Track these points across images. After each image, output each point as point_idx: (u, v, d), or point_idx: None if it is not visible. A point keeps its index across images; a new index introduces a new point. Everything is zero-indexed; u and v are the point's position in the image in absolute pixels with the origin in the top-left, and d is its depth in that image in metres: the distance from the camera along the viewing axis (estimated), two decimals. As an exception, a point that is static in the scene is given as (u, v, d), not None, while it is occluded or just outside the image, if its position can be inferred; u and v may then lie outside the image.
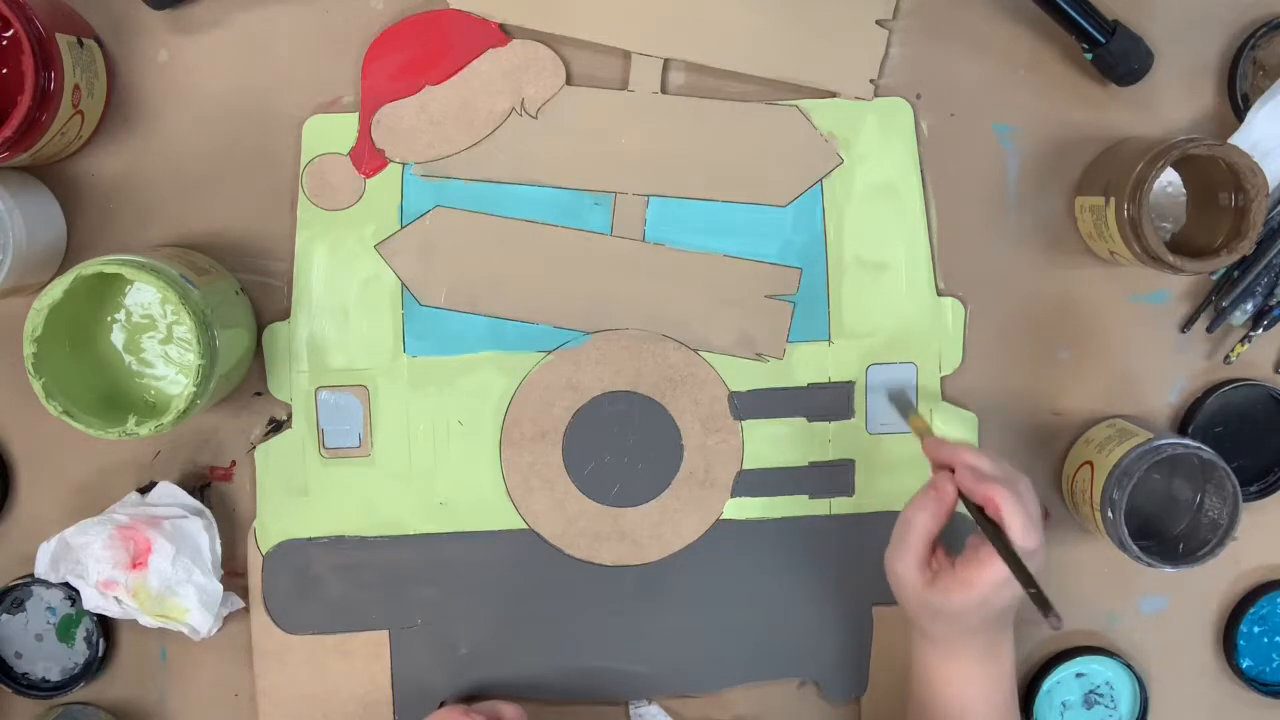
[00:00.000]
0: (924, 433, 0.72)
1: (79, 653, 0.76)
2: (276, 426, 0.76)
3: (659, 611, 0.77)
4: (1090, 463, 0.74)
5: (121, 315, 0.71)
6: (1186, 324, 0.78)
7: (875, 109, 0.75)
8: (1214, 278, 0.77)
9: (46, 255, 0.72)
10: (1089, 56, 0.73)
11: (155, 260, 0.66)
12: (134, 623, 0.73)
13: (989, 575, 0.64)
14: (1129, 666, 0.78)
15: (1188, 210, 0.76)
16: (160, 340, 0.71)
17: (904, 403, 0.75)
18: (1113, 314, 0.78)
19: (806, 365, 0.76)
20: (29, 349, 0.65)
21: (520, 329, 0.75)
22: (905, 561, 0.67)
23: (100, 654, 0.75)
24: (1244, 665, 0.79)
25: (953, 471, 0.67)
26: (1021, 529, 0.63)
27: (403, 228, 0.74)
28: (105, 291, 0.70)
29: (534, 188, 0.75)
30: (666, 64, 0.74)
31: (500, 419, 0.76)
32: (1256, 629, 0.79)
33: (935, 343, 0.77)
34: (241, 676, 0.77)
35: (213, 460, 0.76)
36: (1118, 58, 0.73)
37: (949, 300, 0.77)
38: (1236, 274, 0.76)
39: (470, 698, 0.77)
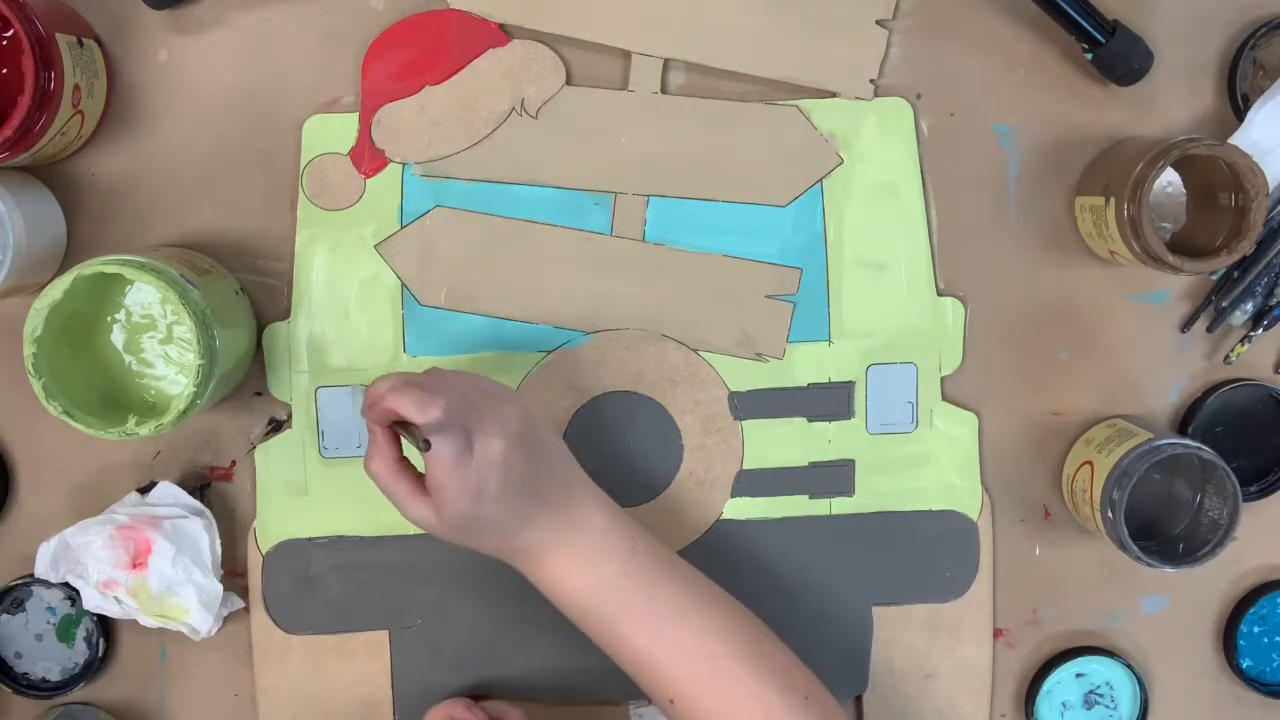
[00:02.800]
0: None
1: (79, 653, 0.76)
2: (276, 426, 0.76)
3: (659, 611, 0.77)
4: (1090, 463, 0.74)
5: (121, 315, 0.71)
6: (1186, 324, 0.78)
7: (875, 109, 0.75)
8: (1214, 278, 0.77)
9: (46, 255, 0.72)
10: (1089, 56, 0.73)
11: (155, 260, 0.66)
12: (134, 623, 0.73)
13: (430, 472, 0.63)
14: (1129, 666, 0.78)
15: (1188, 210, 0.76)
16: (160, 340, 0.71)
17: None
18: (1113, 314, 0.78)
19: (806, 365, 0.76)
20: (29, 349, 0.65)
21: (520, 329, 0.75)
22: (408, 506, 0.65)
23: (100, 654, 0.75)
24: (1244, 665, 0.79)
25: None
26: (413, 409, 0.62)
27: (403, 228, 0.74)
28: (105, 291, 0.70)
29: (534, 188, 0.75)
30: (666, 64, 0.74)
31: (500, 419, 0.76)
32: (1257, 629, 0.79)
33: (935, 343, 0.77)
34: (241, 676, 0.77)
35: (213, 460, 0.76)
36: (1118, 58, 0.73)
37: (949, 300, 0.77)
38: (1236, 274, 0.76)
39: (474, 698, 0.77)
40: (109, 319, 0.71)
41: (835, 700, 0.68)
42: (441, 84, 0.73)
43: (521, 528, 0.65)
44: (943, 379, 0.77)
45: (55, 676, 0.76)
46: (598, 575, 0.66)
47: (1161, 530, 0.76)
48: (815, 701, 0.66)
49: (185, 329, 0.67)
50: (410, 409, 0.62)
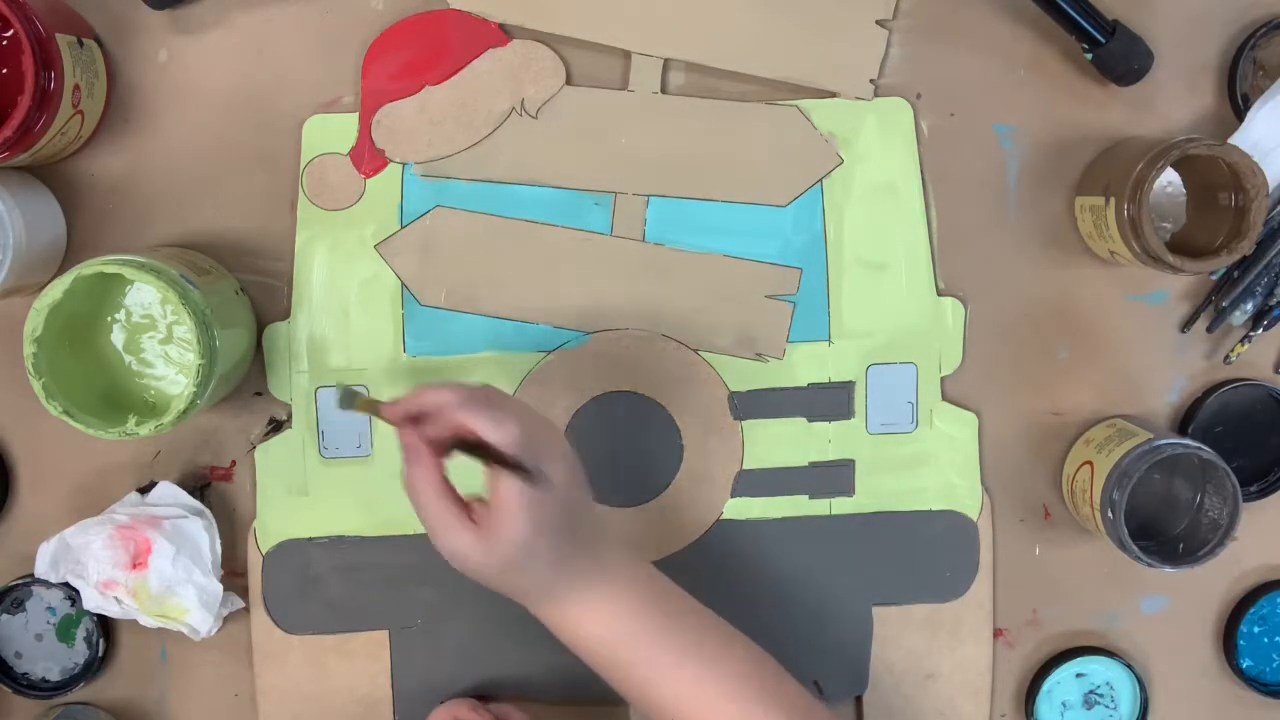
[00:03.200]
0: (376, 409, 0.65)
1: (79, 653, 0.76)
2: (276, 426, 0.76)
3: (659, 611, 0.77)
4: (1090, 463, 0.74)
5: (121, 315, 0.71)
6: (1186, 324, 0.78)
7: (875, 109, 0.75)
8: (1214, 278, 0.77)
9: (46, 255, 0.72)
10: (1089, 56, 0.73)
11: (155, 260, 0.66)
12: (134, 623, 0.73)
13: (505, 496, 0.60)
14: (1129, 666, 0.78)
15: (1188, 210, 0.76)
16: (160, 340, 0.71)
17: (348, 397, 0.67)
18: (1112, 314, 0.78)
19: (806, 365, 0.76)
20: (29, 349, 0.65)
21: (520, 329, 0.75)
22: (450, 535, 0.61)
23: (100, 654, 0.75)
24: (1245, 665, 0.79)
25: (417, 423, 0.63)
26: (490, 428, 0.60)
27: (403, 228, 0.74)
28: (105, 291, 0.70)
29: (534, 188, 0.75)
30: (666, 64, 0.74)
31: (500, 419, 0.76)
32: (1257, 629, 0.79)
33: (935, 343, 0.77)
34: (241, 676, 0.77)
35: (213, 460, 0.76)
36: (1118, 58, 0.73)
37: (949, 300, 0.77)
38: (1236, 274, 0.76)
39: (478, 698, 0.77)
40: (109, 319, 0.71)
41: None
42: (441, 84, 0.73)
43: (557, 574, 0.63)
44: (943, 379, 0.77)
45: (55, 676, 0.76)
46: (617, 627, 0.64)
47: (1161, 530, 0.76)
48: None
49: (185, 329, 0.67)
50: (485, 426, 0.60)
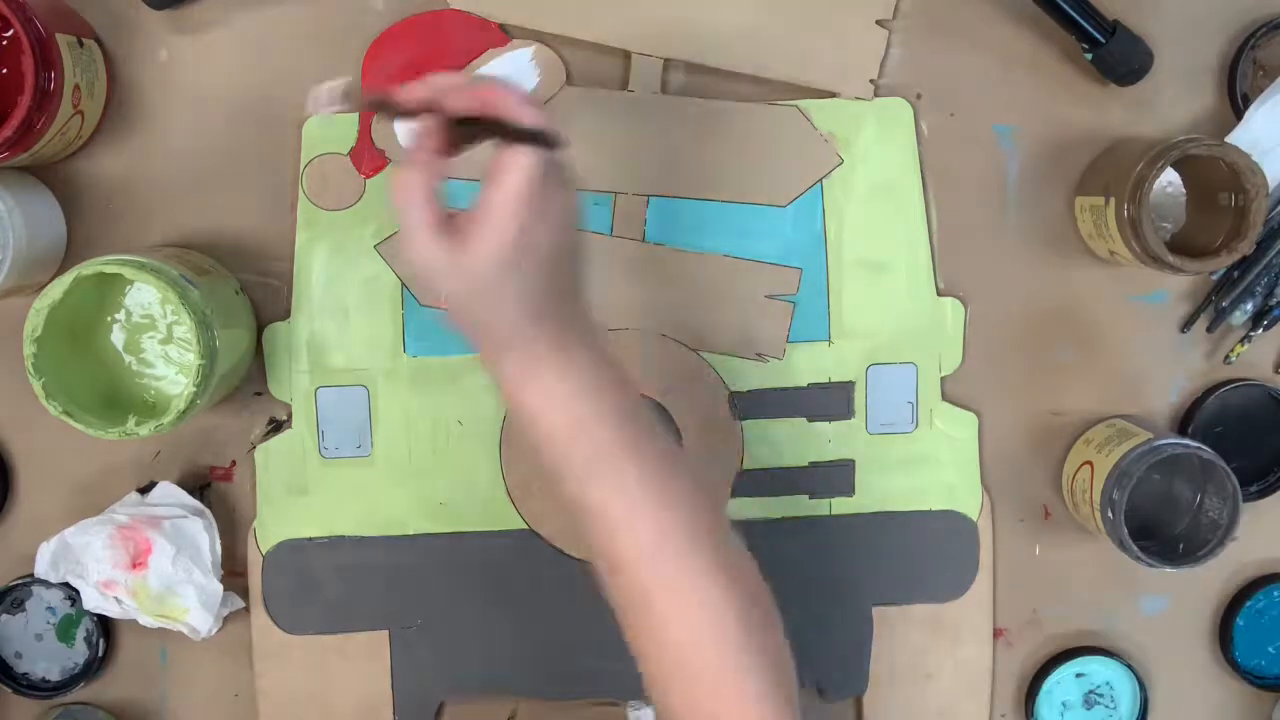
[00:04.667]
0: (386, 100, 0.57)
1: (79, 653, 0.76)
2: (276, 426, 0.76)
3: (659, 611, 0.77)
4: (1090, 463, 0.74)
5: (121, 315, 0.71)
6: (1186, 324, 0.78)
7: (875, 109, 0.75)
8: (1214, 278, 0.77)
9: (46, 255, 0.72)
10: (1089, 56, 0.73)
11: (155, 260, 0.66)
12: (134, 623, 0.73)
13: (509, 174, 0.55)
14: (1129, 666, 0.78)
15: (1188, 210, 0.76)
16: (160, 340, 0.71)
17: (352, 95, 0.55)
18: (1113, 314, 0.78)
19: (806, 365, 0.76)
20: (29, 349, 0.65)
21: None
22: (426, 241, 0.55)
23: (100, 654, 0.75)
24: (1240, 659, 0.79)
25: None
26: (520, 104, 0.55)
27: (403, 228, 0.74)
28: (105, 291, 0.70)
29: (534, 188, 0.75)
30: (666, 64, 0.74)
31: (500, 419, 0.76)
32: (1252, 621, 0.79)
33: (935, 343, 0.77)
34: (241, 676, 0.77)
35: (213, 460, 0.76)
36: (1118, 58, 0.73)
37: (949, 300, 0.77)
38: (1236, 274, 0.76)
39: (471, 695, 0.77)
40: (109, 319, 0.71)
41: (778, 614, 0.61)
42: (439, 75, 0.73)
43: (532, 316, 0.57)
44: (943, 379, 0.77)
45: (55, 676, 0.76)
46: (583, 410, 0.58)
47: (1161, 530, 0.76)
48: (760, 609, 0.60)
49: (185, 329, 0.67)
50: (518, 102, 0.55)
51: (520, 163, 0.55)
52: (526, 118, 0.55)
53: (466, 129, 0.57)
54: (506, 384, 0.59)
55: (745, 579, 0.60)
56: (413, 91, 0.57)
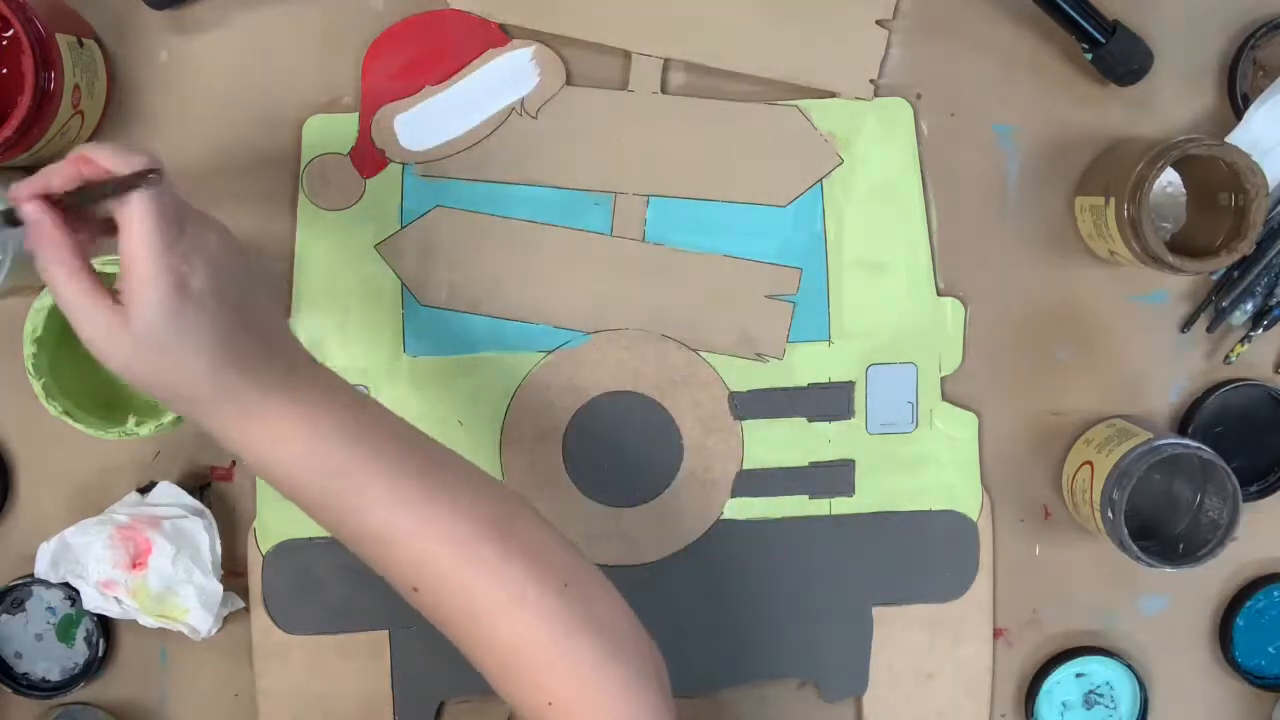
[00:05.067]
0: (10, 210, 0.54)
1: (79, 653, 0.76)
2: (276, 426, 0.76)
3: (658, 612, 0.77)
4: (1090, 463, 0.74)
5: (121, 315, 0.71)
6: (1186, 324, 0.78)
7: (875, 109, 0.75)
8: (1214, 278, 0.77)
9: (46, 255, 0.72)
10: (1089, 56, 0.73)
11: (155, 260, 0.66)
12: (134, 623, 0.72)
13: (133, 246, 0.52)
14: (1129, 666, 0.78)
15: (1188, 210, 0.76)
16: (160, 340, 0.71)
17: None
18: (1113, 314, 0.78)
19: (806, 365, 0.76)
20: (29, 349, 0.65)
21: (520, 329, 0.75)
22: (88, 319, 0.53)
23: (100, 654, 0.75)
24: (1240, 659, 0.79)
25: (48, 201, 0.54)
26: (113, 155, 0.53)
27: (403, 228, 0.74)
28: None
29: (534, 188, 0.75)
30: (666, 64, 0.74)
31: (500, 419, 0.76)
32: (1250, 622, 0.79)
33: (935, 343, 0.77)
34: (241, 676, 0.77)
35: (213, 460, 0.76)
36: (1118, 58, 0.73)
37: (949, 300, 0.77)
38: (1236, 274, 0.76)
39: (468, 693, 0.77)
40: (109, 319, 0.71)
41: (603, 583, 0.60)
42: (441, 84, 0.73)
43: (232, 366, 0.54)
44: (943, 379, 0.77)
45: (55, 676, 0.76)
46: (320, 444, 0.56)
47: (1161, 530, 0.76)
48: (575, 587, 0.58)
49: (185, 329, 0.67)
50: (112, 156, 0.53)
51: (136, 210, 0.53)
52: (119, 166, 0.53)
53: (83, 200, 0.54)
54: (225, 438, 0.57)
55: (553, 560, 0.59)
56: (21, 189, 0.54)
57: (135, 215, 0.52)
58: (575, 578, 0.59)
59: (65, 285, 0.53)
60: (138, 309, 0.52)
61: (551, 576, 0.58)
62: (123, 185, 0.53)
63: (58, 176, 0.54)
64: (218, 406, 0.56)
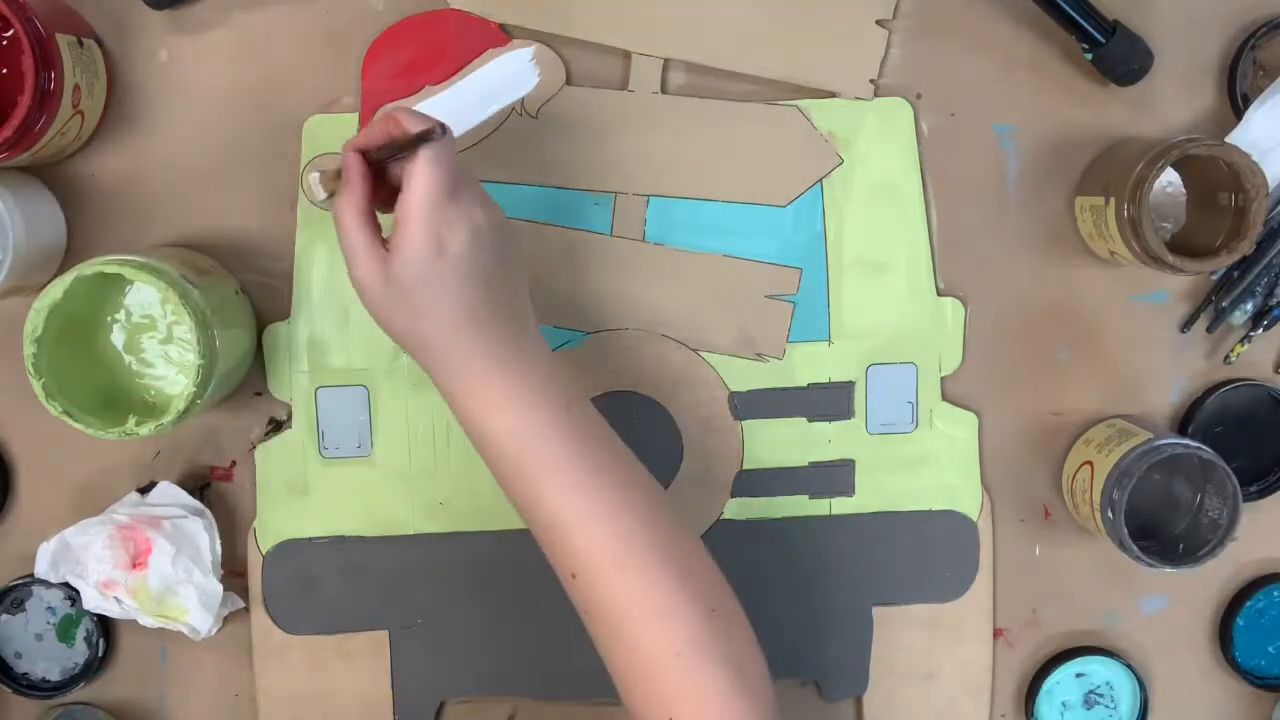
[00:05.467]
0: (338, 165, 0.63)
1: (79, 653, 0.76)
2: (276, 426, 0.76)
3: (659, 611, 0.77)
4: (1090, 463, 0.74)
5: (121, 315, 0.71)
6: (1186, 324, 0.78)
7: (875, 109, 0.75)
8: (1214, 278, 0.77)
9: (46, 255, 0.72)
10: (1089, 56, 0.73)
11: (155, 260, 0.66)
12: (134, 623, 0.73)
13: (413, 180, 0.59)
14: (1129, 666, 0.78)
15: (1188, 210, 0.76)
16: (160, 340, 0.71)
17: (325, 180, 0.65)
18: (1113, 314, 0.78)
19: (806, 365, 0.76)
20: (29, 349, 0.65)
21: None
22: (359, 260, 0.60)
23: (100, 654, 0.75)
24: (1240, 659, 0.79)
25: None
26: (416, 119, 0.60)
27: (403, 228, 0.74)
28: (105, 291, 0.70)
29: (534, 188, 0.75)
30: (666, 64, 0.74)
31: (500, 419, 0.76)
32: (1250, 622, 0.79)
33: (935, 343, 0.77)
34: (241, 676, 0.77)
35: (213, 460, 0.76)
36: (1118, 58, 0.73)
37: (949, 300, 0.77)
38: (1236, 274, 0.76)
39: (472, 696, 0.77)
40: (109, 319, 0.71)
41: (743, 618, 0.63)
42: (441, 84, 0.73)
43: (463, 331, 0.60)
44: (943, 379, 0.77)
45: (55, 676, 0.76)
46: (527, 421, 0.61)
47: (1161, 530, 0.76)
48: (721, 615, 0.61)
49: (185, 329, 0.67)
50: (413, 119, 0.60)
51: (419, 169, 0.59)
52: (410, 125, 0.60)
53: (386, 155, 0.62)
54: (450, 398, 0.62)
55: (705, 585, 0.62)
56: (347, 144, 0.63)
57: (417, 176, 0.59)
58: (722, 606, 0.62)
59: (350, 226, 0.60)
60: (398, 257, 0.59)
61: (703, 598, 0.61)
62: (414, 141, 0.59)
63: (373, 131, 0.61)
64: (444, 361, 0.61)
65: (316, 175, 0.64)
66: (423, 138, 0.59)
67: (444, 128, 0.59)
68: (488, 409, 0.61)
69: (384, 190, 0.63)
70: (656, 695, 0.60)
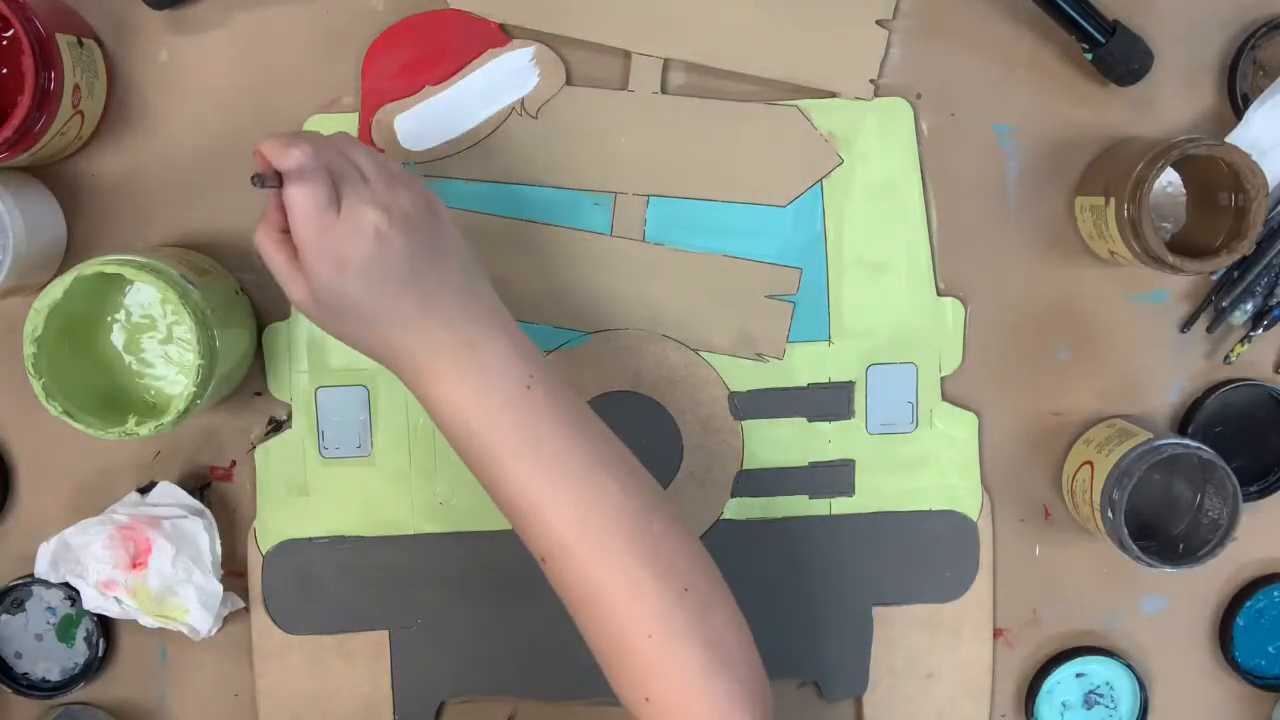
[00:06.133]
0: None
1: (79, 653, 0.76)
2: (276, 426, 0.76)
3: (659, 611, 0.77)
4: (1090, 463, 0.74)
5: (121, 315, 0.71)
6: (1186, 324, 0.78)
7: (875, 109, 0.75)
8: (1214, 278, 0.77)
9: (46, 255, 0.72)
10: (1089, 56, 0.73)
11: (155, 260, 0.66)
12: (134, 623, 0.73)
13: (291, 213, 0.59)
14: (1129, 666, 0.78)
15: (1188, 210, 0.76)
16: (160, 340, 0.71)
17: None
18: (1113, 314, 0.78)
19: (806, 365, 0.76)
20: (29, 349, 0.65)
21: (520, 329, 0.75)
22: (284, 280, 0.61)
23: (100, 654, 0.75)
24: (1240, 659, 0.79)
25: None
26: (276, 150, 0.59)
27: (403, 228, 0.74)
28: (105, 291, 0.70)
29: (534, 188, 0.75)
30: (666, 64, 0.74)
31: (500, 419, 0.76)
32: (1250, 622, 0.79)
33: (935, 343, 0.77)
34: (241, 676, 0.77)
35: (213, 460, 0.76)
36: (1118, 58, 0.73)
37: (949, 300, 0.77)
38: (1236, 274, 0.76)
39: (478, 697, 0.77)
40: (109, 319, 0.71)
41: (725, 597, 0.62)
42: (441, 84, 0.73)
43: (400, 329, 0.60)
44: (943, 379, 0.77)
45: (55, 676, 0.76)
46: (482, 406, 0.60)
47: (1161, 530, 0.76)
48: (696, 595, 0.60)
49: (185, 329, 0.67)
50: (272, 149, 0.59)
51: (289, 197, 0.59)
52: (276, 160, 0.59)
53: (269, 186, 0.60)
54: (412, 391, 0.62)
55: (677, 566, 0.61)
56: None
57: (290, 204, 0.59)
58: (697, 585, 0.61)
59: (271, 250, 0.61)
60: (310, 282, 0.60)
61: (674, 579, 0.60)
62: (273, 181, 0.59)
63: (254, 161, 0.60)
64: (394, 360, 0.62)
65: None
66: (274, 182, 0.59)
67: (279, 177, 0.59)
68: (440, 399, 0.61)
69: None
70: (633, 676, 0.60)
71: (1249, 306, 0.77)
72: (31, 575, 0.73)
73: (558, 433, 0.61)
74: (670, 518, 0.63)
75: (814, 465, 0.77)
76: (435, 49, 0.73)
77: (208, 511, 0.73)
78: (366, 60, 0.73)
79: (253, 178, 0.58)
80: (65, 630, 0.76)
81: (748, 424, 0.77)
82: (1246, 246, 0.69)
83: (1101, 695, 0.79)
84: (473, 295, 0.63)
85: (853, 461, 0.77)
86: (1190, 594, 0.80)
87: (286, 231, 0.61)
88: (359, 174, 0.61)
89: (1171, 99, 0.76)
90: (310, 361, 0.75)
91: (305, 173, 0.58)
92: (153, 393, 0.72)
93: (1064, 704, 0.79)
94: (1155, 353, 0.78)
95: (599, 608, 0.61)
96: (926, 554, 0.78)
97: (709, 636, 0.60)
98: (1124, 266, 0.75)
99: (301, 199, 0.58)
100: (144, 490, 0.74)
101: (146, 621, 0.72)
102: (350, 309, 0.60)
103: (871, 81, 0.75)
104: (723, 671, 0.60)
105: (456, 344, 0.61)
